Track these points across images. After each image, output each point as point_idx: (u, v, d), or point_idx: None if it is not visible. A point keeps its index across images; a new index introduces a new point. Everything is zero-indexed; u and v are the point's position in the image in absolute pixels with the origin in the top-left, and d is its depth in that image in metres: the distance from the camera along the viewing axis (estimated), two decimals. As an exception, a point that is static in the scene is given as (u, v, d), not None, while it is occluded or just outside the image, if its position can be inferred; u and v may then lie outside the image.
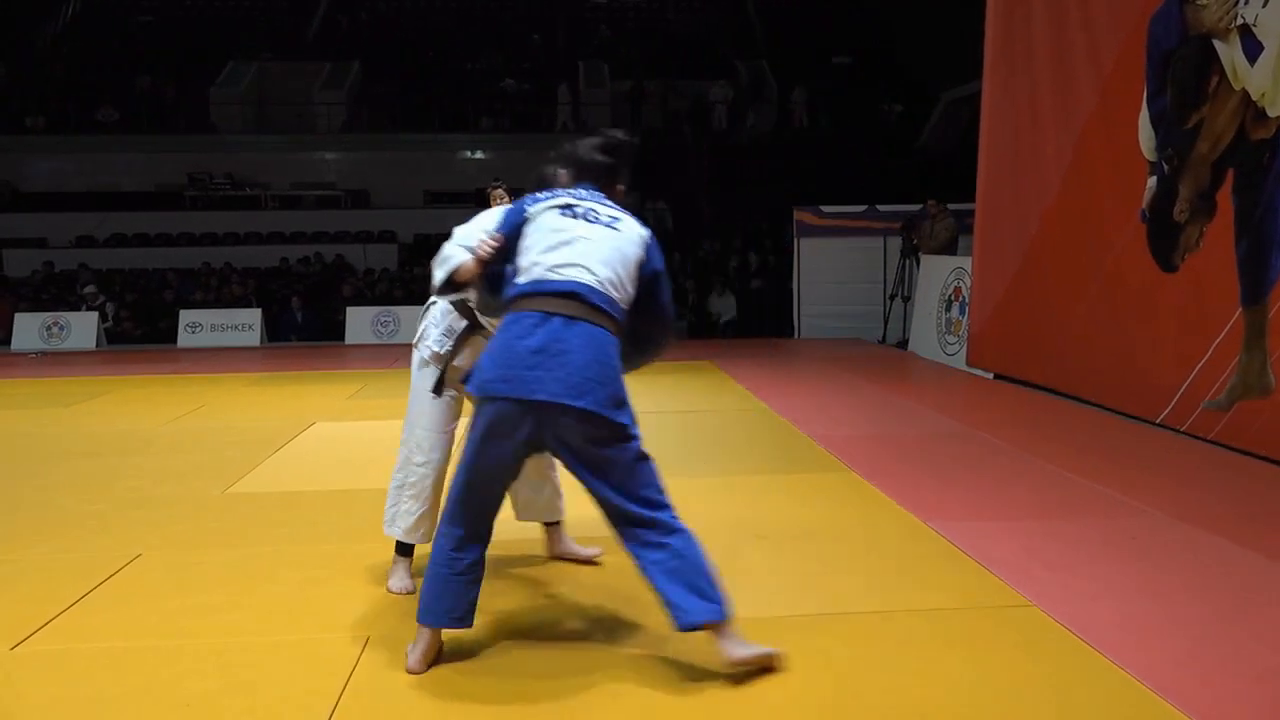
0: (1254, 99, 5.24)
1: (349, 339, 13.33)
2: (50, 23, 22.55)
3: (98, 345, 13.26)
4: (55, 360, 11.83)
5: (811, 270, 12.48)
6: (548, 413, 2.60)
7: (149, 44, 21.92)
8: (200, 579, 3.57)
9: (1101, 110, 6.67)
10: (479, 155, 20.43)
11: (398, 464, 3.45)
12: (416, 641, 2.79)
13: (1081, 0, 6.88)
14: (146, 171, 19.38)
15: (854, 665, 2.77)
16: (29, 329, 13.26)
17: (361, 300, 14.23)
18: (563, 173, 3.07)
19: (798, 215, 12.52)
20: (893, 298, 11.50)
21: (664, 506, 2.73)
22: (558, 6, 24.02)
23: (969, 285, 8.93)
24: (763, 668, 2.69)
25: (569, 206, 2.84)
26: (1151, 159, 6.15)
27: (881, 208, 12.19)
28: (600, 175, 2.98)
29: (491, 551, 2.85)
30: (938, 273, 10.05)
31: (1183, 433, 5.83)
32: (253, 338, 13.42)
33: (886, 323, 11.70)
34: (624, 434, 2.69)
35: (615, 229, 2.82)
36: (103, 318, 13.63)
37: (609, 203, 2.92)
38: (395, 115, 20.62)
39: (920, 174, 15.63)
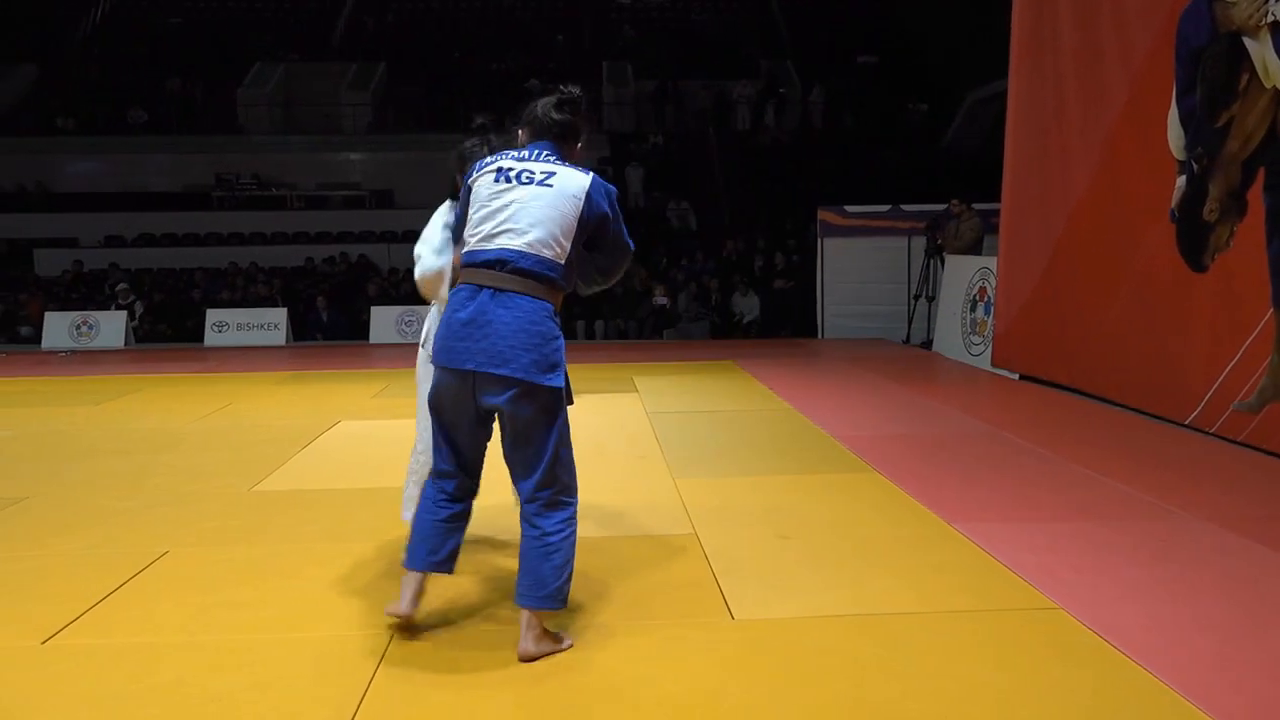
0: (1286, 97, 5.18)
1: (373, 338, 13.41)
2: (81, 25, 22.81)
3: (126, 344, 13.40)
4: (84, 359, 11.96)
5: (835, 270, 12.43)
6: (478, 380, 2.78)
7: (177, 46, 22.14)
8: (227, 576, 3.60)
9: (1130, 109, 6.61)
10: (504, 156, 20.48)
11: (411, 455, 3.73)
12: (402, 586, 2.99)
13: (1110, -2, 6.83)
14: (175, 172, 19.57)
15: (877, 666, 2.76)
16: (59, 328, 13.41)
17: (386, 300, 14.30)
18: (521, 132, 3.10)
19: (822, 215, 12.48)
20: (917, 298, 11.44)
21: (548, 485, 2.86)
22: (582, 7, 24.06)
23: (994, 285, 8.87)
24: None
25: (503, 170, 2.89)
26: (1181, 158, 6.08)
27: (906, 207, 12.12)
28: (556, 133, 3.00)
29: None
30: (962, 272, 9.99)
31: (1212, 434, 5.77)
32: (278, 337, 13.52)
33: (911, 323, 11.64)
34: (550, 396, 2.81)
35: (548, 185, 2.85)
36: (130, 316, 13.77)
37: (554, 159, 2.93)
38: (420, 116, 20.73)
39: (945, 173, 15.54)
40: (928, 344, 10.93)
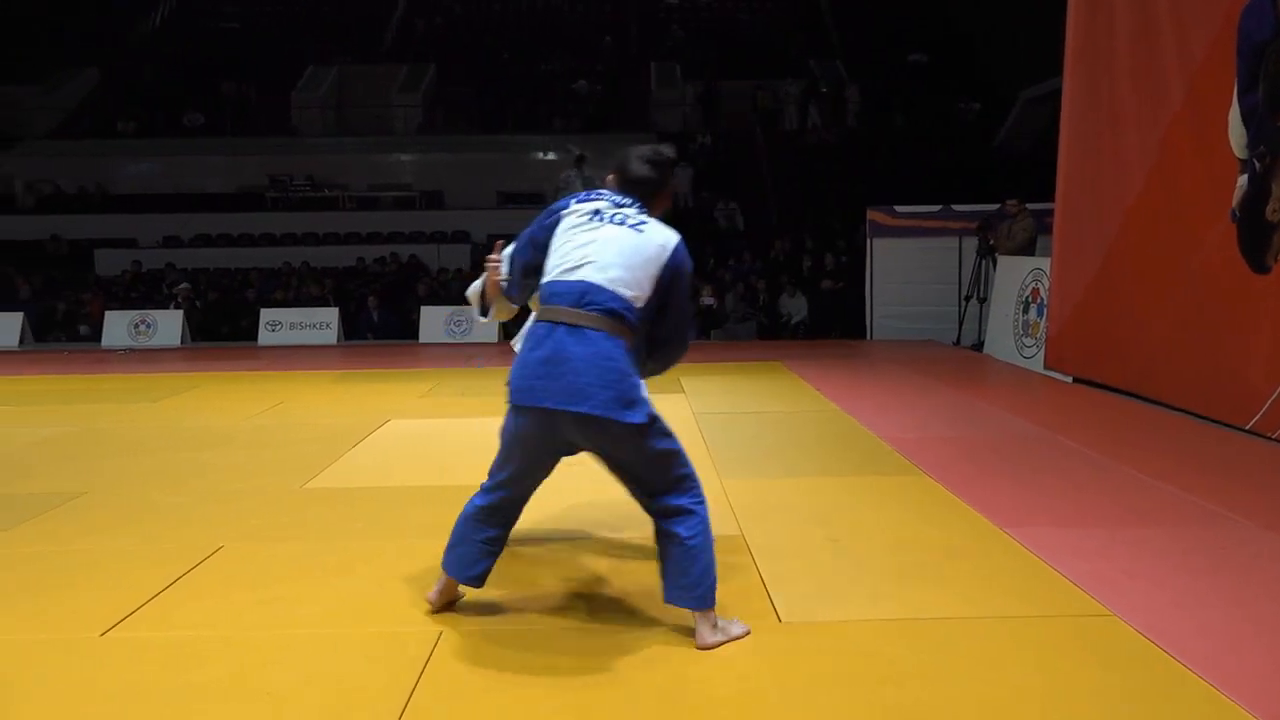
0: (1352, 93, 5.04)
1: (422, 338, 13.54)
2: (140, 30, 23.32)
3: (182, 342, 13.68)
4: (142, 357, 12.22)
5: (885, 271, 12.32)
6: (558, 418, 2.80)
7: (233, 50, 22.54)
8: (279, 571, 3.66)
9: (1189, 106, 6.48)
10: (551, 156, 20.58)
11: None
12: (439, 582, 3.18)
13: (1168, -7, 6.70)
14: (230, 174, 19.91)
15: (923, 672, 2.73)
16: (118, 326, 13.73)
17: (435, 300, 14.43)
18: (610, 177, 3.15)
19: (871, 215, 12.37)
20: (968, 299, 11.29)
21: (672, 495, 2.91)
22: (630, 8, 24.10)
23: (1047, 286, 8.74)
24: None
25: (599, 211, 2.97)
26: (1242, 156, 5.95)
27: (957, 207, 11.97)
28: (641, 190, 3.07)
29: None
30: (1015, 273, 9.85)
31: (1274, 440, 5.63)
32: (330, 336, 13.70)
33: (961, 324, 11.50)
34: (634, 431, 2.81)
35: (639, 230, 2.92)
36: (188, 316, 14.04)
37: (644, 212, 3.02)
38: (470, 117, 20.90)
39: (996, 173, 15.33)
40: (979, 346, 10.79)
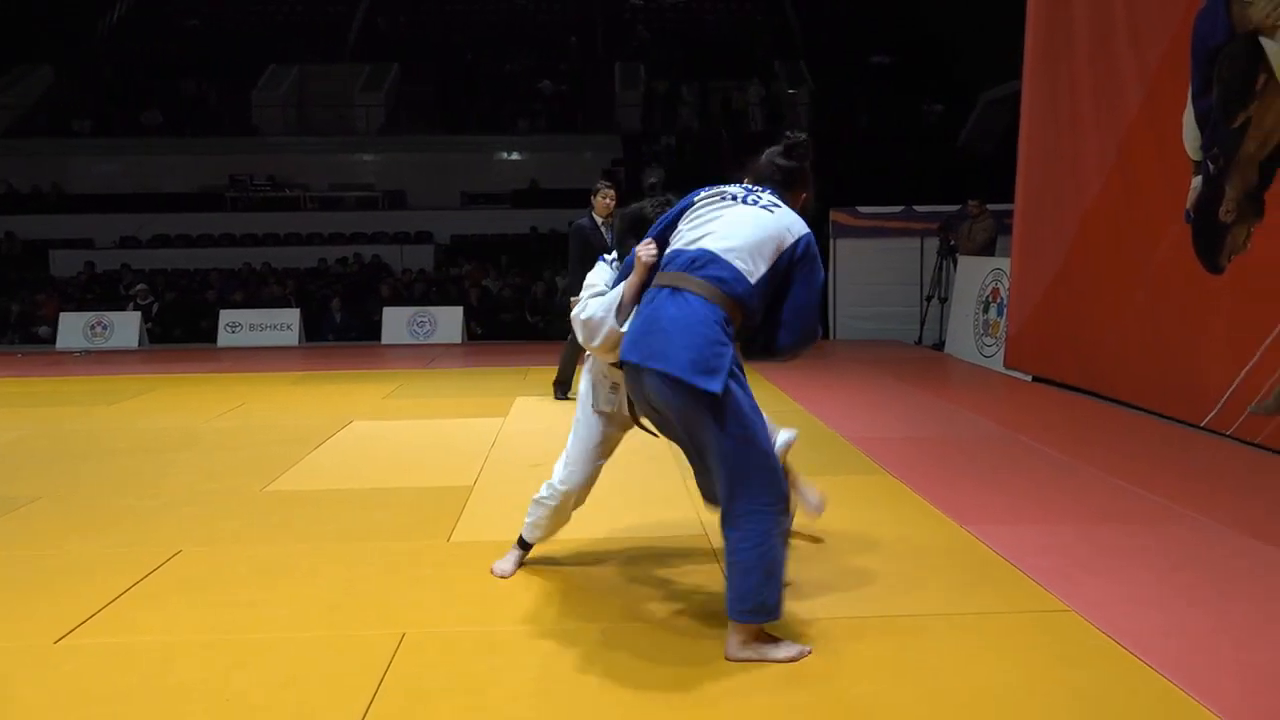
0: (1303, 97, 5.14)
1: (385, 339, 13.44)
2: (97, 28, 22.95)
3: (140, 344, 13.48)
4: (99, 359, 12.03)
5: (848, 271, 12.39)
6: (643, 375, 2.77)
7: (193, 49, 22.25)
8: (240, 575, 3.62)
9: (1146, 109, 6.57)
10: (515, 157, 20.53)
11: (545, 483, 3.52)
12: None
13: (1125, -3, 6.79)
14: (189, 173, 19.68)
15: (889, 669, 2.75)
16: (74, 328, 13.49)
17: (398, 300, 14.33)
18: (746, 180, 3.10)
19: (834, 215, 12.44)
20: (930, 299, 11.40)
21: (736, 497, 2.75)
22: (595, 8, 24.07)
23: (1007, 286, 8.83)
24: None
25: (732, 194, 2.93)
26: (1196, 158, 6.05)
27: (919, 208, 12.08)
28: (779, 179, 3.03)
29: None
30: (975, 274, 9.95)
31: (1228, 437, 5.73)
32: (291, 337, 13.56)
33: (923, 324, 11.60)
34: (710, 401, 2.67)
35: (770, 211, 2.87)
36: (145, 317, 13.84)
37: (778, 199, 2.95)
38: (433, 117, 20.77)
39: (958, 174, 15.47)
40: (940, 345, 10.89)
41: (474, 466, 5.37)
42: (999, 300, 9.21)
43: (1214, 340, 5.91)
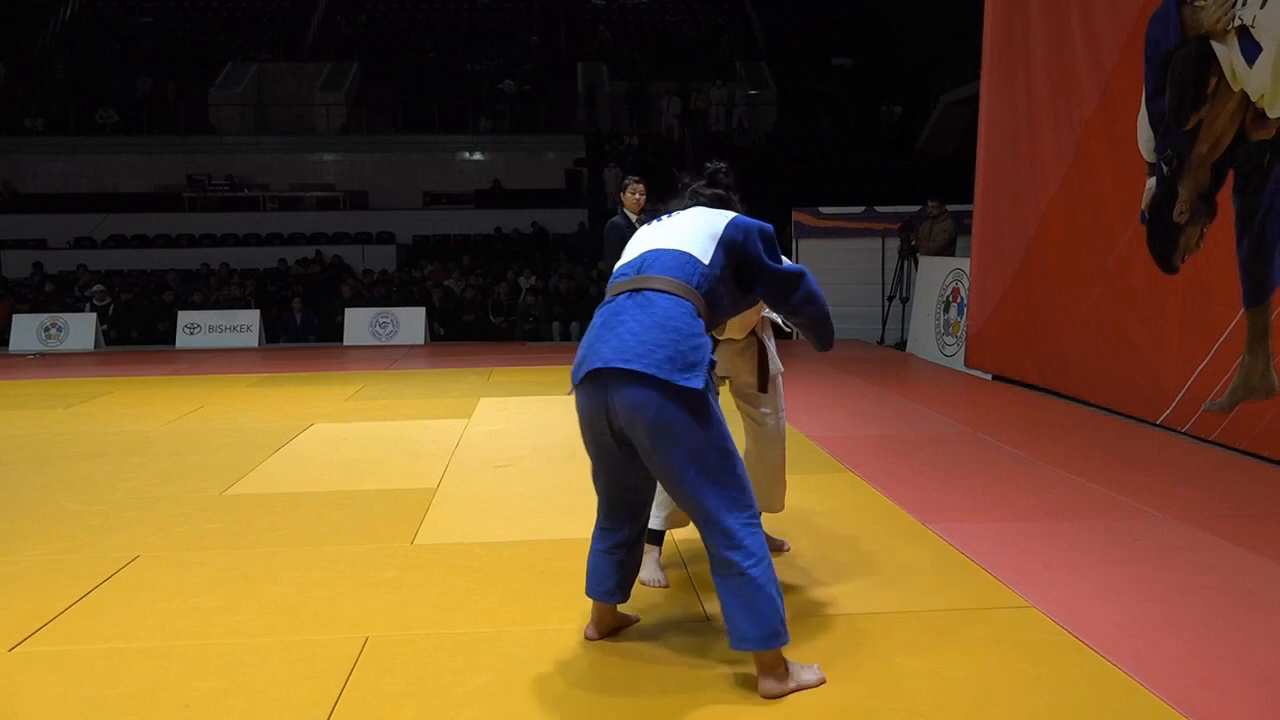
0: (1253, 100, 5.24)
1: (347, 340, 13.33)
2: (49, 25, 22.54)
3: (96, 347, 13.26)
4: (53, 361, 11.82)
5: (810, 270, 12.43)
6: (609, 382, 2.52)
7: (148, 46, 21.92)
8: (199, 580, 3.57)
9: (1101, 111, 6.67)
10: (478, 156, 20.43)
11: None
12: (592, 611, 2.97)
13: (1081, 0, 6.88)
14: (146, 173, 19.40)
15: (851, 666, 2.76)
16: (27, 330, 13.23)
17: (360, 301, 14.22)
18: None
19: (796, 216, 12.51)
20: (891, 299, 11.50)
21: (727, 515, 2.53)
22: (558, 8, 24.02)
23: (967, 286, 8.93)
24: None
25: (657, 217, 2.95)
26: (1150, 160, 6.15)
27: (880, 209, 12.19)
28: (706, 204, 3.01)
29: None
30: (936, 274, 10.05)
31: (1184, 434, 5.83)
32: (251, 339, 13.41)
33: (885, 324, 11.70)
34: (690, 398, 2.49)
35: (693, 213, 2.86)
36: (101, 319, 13.62)
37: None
38: (394, 116, 20.64)
39: (919, 175, 15.64)
40: (902, 345, 10.99)
41: (438, 468, 5.34)
42: (959, 300, 9.31)
43: (1169, 339, 6.01)
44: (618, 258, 2.86)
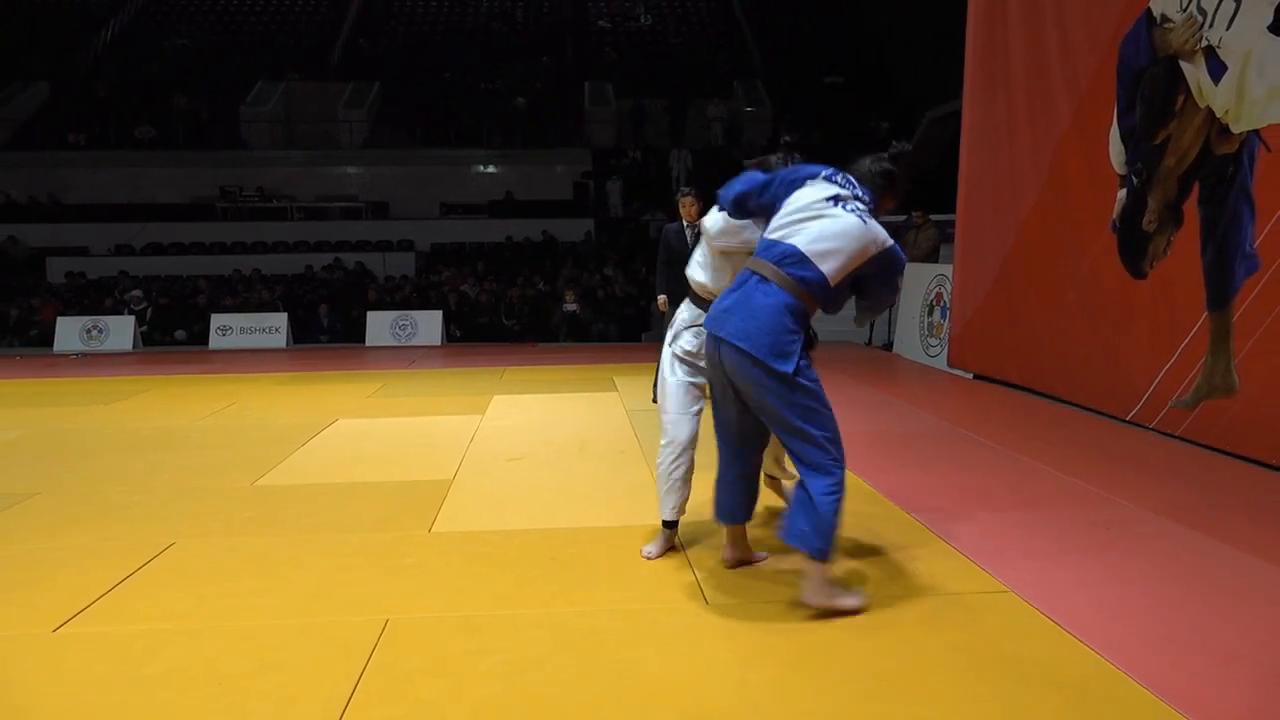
0: (1218, 116, 5.23)
1: (369, 341, 13.33)
2: (91, 47, 22.58)
3: (134, 347, 13.28)
4: (94, 361, 11.84)
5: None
6: (724, 346, 2.98)
7: (184, 66, 21.95)
8: (230, 566, 3.58)
9: (1076, 126, 6.66)
10: (491, 169, 20.43)
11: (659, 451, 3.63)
12: (726, 535, 3.46)
13: (1058, 22, 6.87)
14: (181, 184, 19.41)
15: (839, 649, 2.76)
16: (70, 332, 13.27)
17: (382, 305, 14.23)
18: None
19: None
20: (879, 303, 11.46)
21: (808, 452, 2.97)
22: (566, 30, 24.01)
23: (950, 291, 8.91)
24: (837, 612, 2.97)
25: (838, 198, 3.04)
26: (1122, 172, 6.14)
27: (868, 219, 12.14)
28: (878, 184, 3.18)
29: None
30: (921, 279, 10.03)
31: (1151, 429, 5.82)
32: (279, 340, 13.42)
33: (873, 326, 11.68)
34: (783, 380, 2.91)
35: (863, 221, 2.99)
36: (139, 322, 13.64)
37: (871, 206, 3.10)
38: (414, 132, 20.65)
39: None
40: (889, 346, 10.97)
41: (453, 461, 5.35)
42: (942, 304, 9.29)
43: (1138, 340, 6.00)
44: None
